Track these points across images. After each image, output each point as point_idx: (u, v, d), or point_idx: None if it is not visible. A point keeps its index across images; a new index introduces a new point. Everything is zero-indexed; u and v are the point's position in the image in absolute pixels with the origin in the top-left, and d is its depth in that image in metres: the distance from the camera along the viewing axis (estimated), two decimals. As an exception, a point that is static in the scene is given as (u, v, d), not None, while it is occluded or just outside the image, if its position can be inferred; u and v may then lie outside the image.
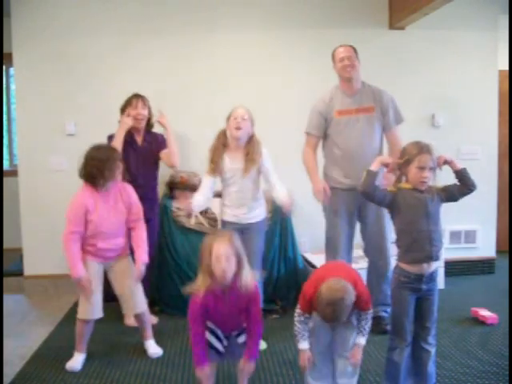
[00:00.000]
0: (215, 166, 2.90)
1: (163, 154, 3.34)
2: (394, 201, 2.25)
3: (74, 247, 2.65)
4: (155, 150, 3.34)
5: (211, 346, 2.22)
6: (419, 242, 2.19)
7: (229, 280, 2.06)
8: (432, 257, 2.20)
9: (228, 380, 2.58)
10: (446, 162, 2.27)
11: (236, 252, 2.05)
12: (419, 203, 2.20)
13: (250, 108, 2.93)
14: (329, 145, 3.20)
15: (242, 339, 2.26)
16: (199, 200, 2.90)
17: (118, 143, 3.15)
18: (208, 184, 2.94)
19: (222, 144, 2.93)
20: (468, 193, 2.29)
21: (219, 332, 2.24)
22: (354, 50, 3.15)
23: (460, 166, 2.29)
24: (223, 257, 2.01)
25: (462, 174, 2.28)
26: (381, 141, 3.19)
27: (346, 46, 3.15)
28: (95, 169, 2.67)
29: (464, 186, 2.28)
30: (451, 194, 2.29)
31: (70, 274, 2.67)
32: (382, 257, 3.17)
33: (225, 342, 2.26)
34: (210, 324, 2.23)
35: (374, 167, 2.29)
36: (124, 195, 2.81)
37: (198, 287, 2.11)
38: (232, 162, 2.90)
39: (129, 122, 3.23)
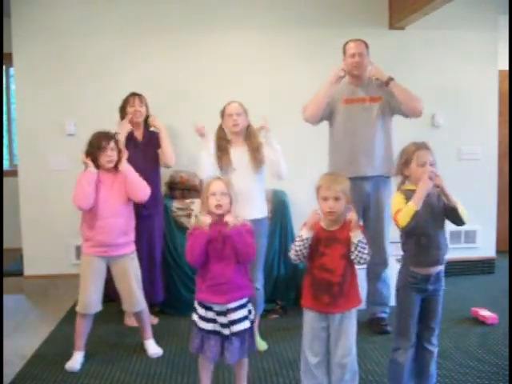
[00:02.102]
0: (225, 161, 2.91)
1: (160, 152, 3.39)
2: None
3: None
4: (154, 145, 3.39)
5: (211, 332, 2.23)
6: (427, 246, 2.18)
7: (222, 213, 2.26)
8: (438, 260, 2.19)
9: (228, 381, 2.59)
10: (440, 190, 2.17)
11: (229, 192, 2.27)
12: (426, 207, 2.16)
13: (249, 107, 2.94)
14: (335, 133, 3.23)
15: (237, 315, 2.24)
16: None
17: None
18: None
19: (222, 139, 2.95)
20: (457, 225, 2.26)
21: (216, 307, 2.23)
22: (366, 45, 3.16)
23: (454, 203, 2.15)
24: (218, 192, 2.25)
25: (450, 211, 2.17)
26: (389, 129, 3.20)
27: (357, 41, 3.16)
28: (85, 153, 2.79)
29: (453, 220, 2.23)
30: (447, 214, 2.23)
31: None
32: (380, 257, 3.17)
33: (223, 320, 2.23)
34: (205, 300, 2.24)
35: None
36: (123, 178, 2.85)
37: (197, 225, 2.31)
38: (235, 154, 2.92)
39: (128, 127, 3.30)
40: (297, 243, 2.16)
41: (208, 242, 2.22)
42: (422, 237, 2.18)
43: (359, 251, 2.11)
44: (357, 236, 2.12)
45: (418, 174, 2.17)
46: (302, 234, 2.15)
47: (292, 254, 2.19)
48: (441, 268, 2.23)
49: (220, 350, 2.25)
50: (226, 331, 2.22)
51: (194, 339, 2.28)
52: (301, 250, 2.15)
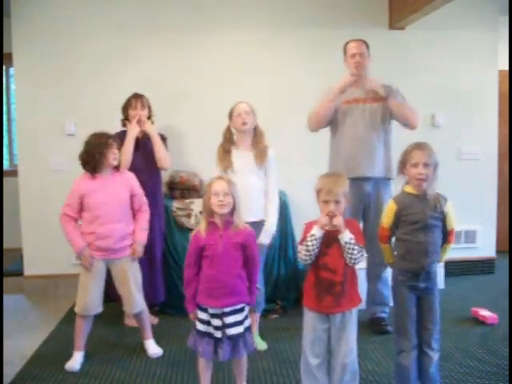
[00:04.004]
0: (226, 163, 2.90)
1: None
2: (398, 219, 2.25)
3: (68, 226, 2.77)
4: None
5: (205, 333, 2.26)
6: (414, 252, 2.20)
7: (225, 212, 2.24)
8: (425, 268, 2.20)
9: (228, 381, 2.59)
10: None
11: (232, 192, 2.26)
12: (419, 216, 2.19)
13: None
14: (335, 135, 3.22)
15: (230, 319, 2.24)
16: None
17: (128, 150, 3.19)
18: None
19: (228, 141, 2.96)
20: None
21: (211, 310, 2.24)
22: (366, 44, 3.16)
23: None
24: (221, 192, 2.23)
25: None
26: (388, 130, 3.20)
27: (357, 40, 3.15)
28: (86, 154, 2.76)
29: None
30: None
31: (73, 250, 2.77)
32: (380, 257, 3.15)
33: (217, 322, 2.24)
34: (201, 303, 2.26)
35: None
36: (127, 183, 2.85)
37: (199, 227, 2.32)
38: (239, 156, 2.91)
39: (137, 129, 3.29)
40: (309, 243, 2.14)
41: (203, 248, 2.24)
42: (411, 243, 2.20)
43: (347, 252, 2.12)
44: (343, 238, 2.12)
45: (412, 174, 2.21)
46: (314, 233, 2.14)
47: (303, 255, 2.16)
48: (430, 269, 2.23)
49: (213, 349, 2.26)
50: (218, 334, 2.23)
51: (191, 335, 2.33)
52: (313, 250, 2.14)
